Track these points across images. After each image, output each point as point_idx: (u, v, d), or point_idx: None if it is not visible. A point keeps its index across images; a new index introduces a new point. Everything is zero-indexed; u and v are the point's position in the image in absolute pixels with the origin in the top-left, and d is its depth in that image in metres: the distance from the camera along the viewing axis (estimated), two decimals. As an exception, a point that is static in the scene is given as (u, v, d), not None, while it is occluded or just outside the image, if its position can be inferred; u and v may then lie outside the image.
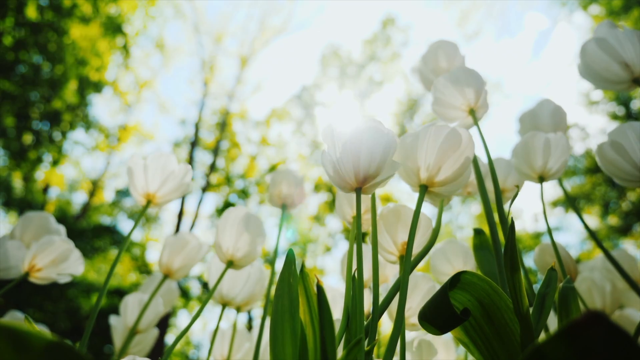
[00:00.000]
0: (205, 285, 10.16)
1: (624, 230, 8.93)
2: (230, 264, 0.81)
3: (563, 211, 10.11)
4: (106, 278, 0.75)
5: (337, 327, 0.64)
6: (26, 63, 7.64)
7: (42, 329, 0.97)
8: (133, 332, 0.97)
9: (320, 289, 0.50)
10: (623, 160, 0.74)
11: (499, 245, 0.70)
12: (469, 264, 0.97)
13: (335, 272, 11.43)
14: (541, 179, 0.82)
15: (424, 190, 0.62)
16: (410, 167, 0.61)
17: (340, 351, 0.59)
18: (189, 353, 11.02)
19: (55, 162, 9.09)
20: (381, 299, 0.63)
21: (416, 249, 0.68)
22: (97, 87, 8.98)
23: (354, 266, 0.68)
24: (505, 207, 0.87)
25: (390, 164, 0.58)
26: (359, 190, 0.59)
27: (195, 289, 10.41)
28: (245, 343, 1.05)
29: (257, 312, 9.46)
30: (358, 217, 0.58)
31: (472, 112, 0.77)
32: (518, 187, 0.75)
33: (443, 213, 0.73)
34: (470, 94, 0.76)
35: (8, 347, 0.29)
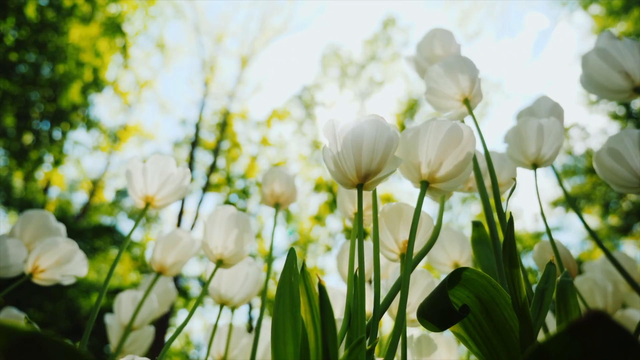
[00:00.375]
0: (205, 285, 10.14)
1: (625, 230, 8.93)
2: (219, 263, 0.81)
3: (563, 211, 10.12)
4: (106, 279, 0.74)
5: (337, 326, 0.63)
6: (26, 63, 7.64)
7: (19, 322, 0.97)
8: (128, 329, 0.97)
9: (322, 289, 0.50)
10: (620, 167, 0.74)
11: (497, 241, 0.70)
12: (466, 253, 0.97)
13: (335, 271, 11.43)
14: (535, 166, 0.82)
15: (425, 186, 0.61)
16: (411, 162, 0.61)
17: (340, 350, 0.58)
18: (189, 353, 11.03)
19: (55, 162, 9.10)
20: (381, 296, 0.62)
21: (417, 248, 0.68)
22: (98, 87, 8.97)
23: (356, 264, 0.67)
24: (503, 201, 0.87)
25: (393, 159, 0.58)
26: (360, 187, 0.58)
27: (195, 289, 10.42)
28: (242, 340, 1.05)
29: (258, 312, 9.46)
30: (360, 214, 0.58)
31: (466, 101, 0.77)
32: (515, 180, 0.75)
33: (443, 213, 0.73)
34: (464, 82, 0.76)
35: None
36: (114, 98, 10.70)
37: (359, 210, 0.57)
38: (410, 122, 11.62)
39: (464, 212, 11.96)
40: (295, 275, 0.55)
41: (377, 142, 0.56)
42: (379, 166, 0.57)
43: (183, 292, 10.06)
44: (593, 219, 9.48)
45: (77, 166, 10.69)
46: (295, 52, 19.84)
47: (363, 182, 0.58)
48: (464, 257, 0.97)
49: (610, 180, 0.77)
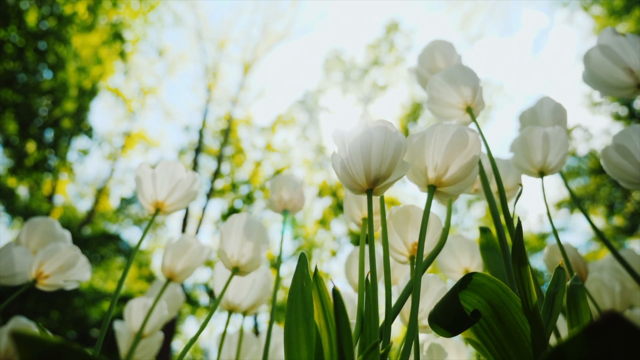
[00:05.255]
0: (211, 292, 10.16)
1: (630, 231, 8.90)
2: (235, 271, 0.81)
3: (568, 212, 10.08)
4: (116, 288, 0.75)
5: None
6: (29, 71, 7.67)
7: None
8: (138, 336, 0.97)
9: (336, 293, 0.50)
10: (628, 164, 0.74)
11: (506, 245, 0.70)
12: (476, 259, 0.97)
13: (340, 275, 11.41)
14: (541, 174, 0.82)
15: (433, 190, 0.62)
16: (418, 167, 0.61)
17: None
18: (197, 359, 11.01)
19: (59, 170, 9.12)
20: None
21: (427, 250, 0.68)
22: (101, 94, 9.01)
23: (367, 268, 0.67)
24: (510, 206, 0.87)
25: (401, 164, 0.58)
26: (370, 192, 0.58)
27: (202, 296, 10.41)
28: (252, 346, 1.05)
29: (264, 317, 9.45)
30: (370, 219, 0.58)
31: (469, 109, 0.77)
32: (521, 185, 0.75)
33: (451, 215, 0.73)
34: (466, 91, 0.76)
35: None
36: (118, 105, 10.75)
37: (369, 215, 0.57)
38: (413, 126, 11.62)
39: (469, 215, 11.94)
40: (307, 281, 0.56)
41: (386, 147, 0.56)
42: (388, 171, 0.57)
43: (191, 300, 10.05)
44: (598, 220, 9.45)
45: (82, 174, 10.73)
46: (298, 57, 19.87)
47: (372, 187, 0.58)
48: (475, 263, 0.97)
49: (617, 177, 0.77)
